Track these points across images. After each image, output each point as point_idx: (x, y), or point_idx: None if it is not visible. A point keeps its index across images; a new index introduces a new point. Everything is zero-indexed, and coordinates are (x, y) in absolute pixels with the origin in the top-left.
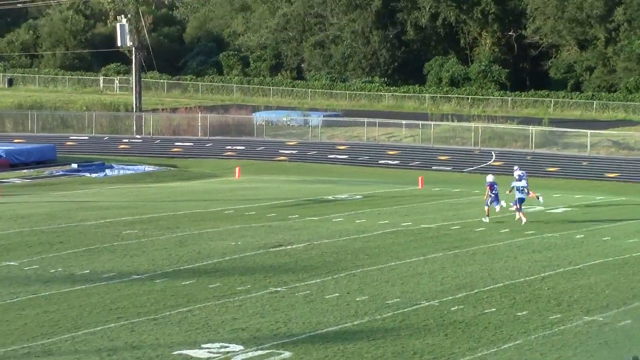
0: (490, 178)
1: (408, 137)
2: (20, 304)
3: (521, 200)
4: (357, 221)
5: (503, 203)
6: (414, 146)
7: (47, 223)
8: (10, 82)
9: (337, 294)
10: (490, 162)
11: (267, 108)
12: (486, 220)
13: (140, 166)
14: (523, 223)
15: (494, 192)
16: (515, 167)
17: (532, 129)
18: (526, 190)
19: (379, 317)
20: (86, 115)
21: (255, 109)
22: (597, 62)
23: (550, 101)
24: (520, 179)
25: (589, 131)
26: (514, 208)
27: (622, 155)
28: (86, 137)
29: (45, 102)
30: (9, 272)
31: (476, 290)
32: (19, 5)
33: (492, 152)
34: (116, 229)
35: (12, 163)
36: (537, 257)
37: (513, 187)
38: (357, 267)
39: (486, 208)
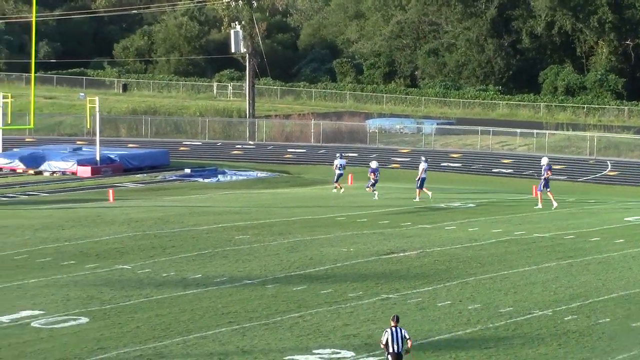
0: (373, 164)
1: (522, 146)
2: (133, 307)
3: None
4: (470, 229)
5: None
6: (528, 155)
7: (159, 227)
8: (125, 88)
9: (449, 302)
10: (605, 172)
11: (380, 115)
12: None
13: (252, 172)
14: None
15: (375, 177)
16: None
17: None
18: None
19: (491, 325)
20: (199, 121)
21: (368, 116)
22: None
23: None
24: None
25: None
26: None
27: None
28: (199, 143)
29: (159, 107)
30: (122, 275)
31: (590, 300)
32: (134, 11)
33: (608, 162)
34: (228, 234)
35: (126, 168)
36: None
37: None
38: (469, 275)
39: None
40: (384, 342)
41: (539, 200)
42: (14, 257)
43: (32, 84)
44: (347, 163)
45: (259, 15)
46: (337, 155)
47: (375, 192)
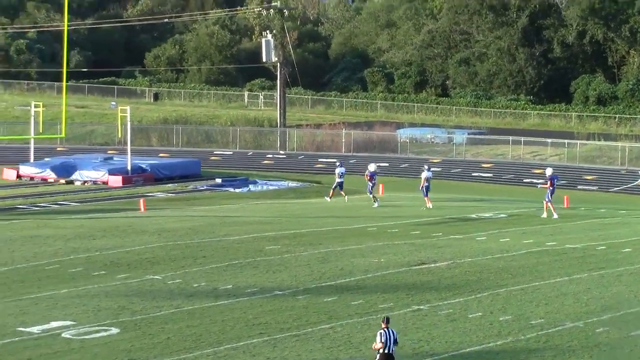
0: (372, 167)
1: (553, 156)
2: (164, 318)
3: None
4: (501, 240)
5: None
6: (559, 165)
7: (190, 237)
8: (156, 97)
9: (480, 313)
10: (638, 181)
11: (412, 125)
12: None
13: (283, 182)
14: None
15: (372, 182)
16: None
17: None
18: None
19: (522, 337)
20: (230, 131)
21: (400, 125)
22: None
23: None
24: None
25: None
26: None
27: None
28: (230, 152)
29: (190, 116)
30: (153, 285)
31: (622, 312)
32: (165, 20)
33: None
34: (259, 244)
35: (157, 177)
36: None
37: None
38: (500, 287)
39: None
40: (379, 345)
41: (545, 209)
42: (45, 267)
43: (63, 93)
44: (346, 171)
45: (290, 24)
46: (337, 163)
47: (376, 200)
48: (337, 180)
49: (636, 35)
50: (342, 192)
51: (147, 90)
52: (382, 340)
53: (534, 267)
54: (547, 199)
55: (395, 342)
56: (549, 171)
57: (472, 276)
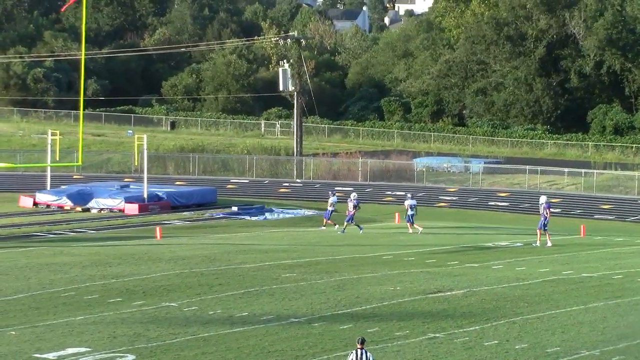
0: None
1: (570, 185)
2: (180, 345)
3: None
4: (517, 269)
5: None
6: (576, 194)
7: (206, 265)
8: (173, 125)
9: (496, 341)
10: None
11: (428, 154)
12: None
13: (299, 210)
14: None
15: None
16: None
17: None
18: None
19: None
20: (247, 159)
21: (416, 154)
22: None
23: None
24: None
25: None
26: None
27: None
28: (247, 181)
29: (207, 145)
30: (169, 312)
31: (638, 341)
32: (182, 49)
33: None
34: (275, 272)
35: (173, 205)
36: None
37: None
38: (516, 315)
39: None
40: None
41: (538, 238)
42: (61, 294)
43: (80, 121)
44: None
45: (307, 54)
46: (330, 192)
47: (345, 226)
48: (329, 209)
49: None
50: (331, 221)
51: (163, 119)
52: None
53: (550, 295)
54: (541, 227)
55: None
56: (543, 199)
57: (488, 304)
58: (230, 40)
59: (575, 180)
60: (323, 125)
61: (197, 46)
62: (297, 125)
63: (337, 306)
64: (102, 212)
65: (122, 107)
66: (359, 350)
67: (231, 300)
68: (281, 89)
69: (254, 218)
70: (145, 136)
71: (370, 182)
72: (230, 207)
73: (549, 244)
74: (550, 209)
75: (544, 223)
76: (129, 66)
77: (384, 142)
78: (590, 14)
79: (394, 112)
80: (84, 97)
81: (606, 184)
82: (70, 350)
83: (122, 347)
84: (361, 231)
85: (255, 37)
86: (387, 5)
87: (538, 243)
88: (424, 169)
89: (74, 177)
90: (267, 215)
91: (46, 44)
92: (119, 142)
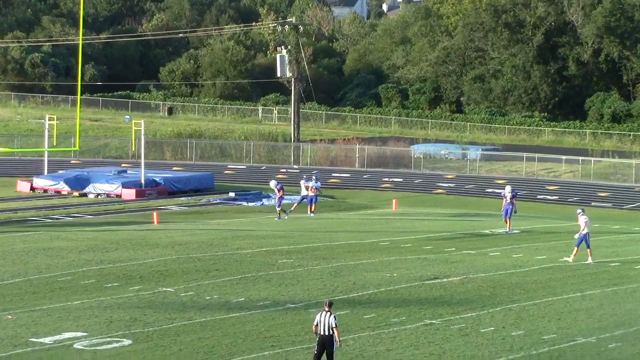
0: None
1: (567, 173)
2: (176, 330)
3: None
4: (514, 256)
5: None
6: (573, 182)
7: (203, 250)
8: (170, 111)
9: (492, 328)
10: None
11: (426, 141)
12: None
13: (297, 196)
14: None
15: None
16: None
17: None
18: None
19: (534, 352)
20: (244, 145)
21: (414, 141)
22: None
23: None
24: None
25: None
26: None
27: None
28: (244, 167)
29: (205, 131)
30: (166, 298)
31: (634, 328)
32: (180, 35)
33: None
34: (272, 257)
35: (171, 190)
36: None
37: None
38: (513, 302)
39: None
40: (314, 324)
41: (508, 227)
42: (58, 279)
43: (78, 106)
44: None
45: (305, 40)
46: (313, 177)
47: (280, 214)
48: (310, 194)
49: None
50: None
51: (161, 105)
52: (315, 323)
53: (547, 282)
54: (507, 216)
55: (330, 326)
56: (508, 188)
57: (485, 291)
58: (228, 26)
59: (572, 168)
60: (320, 112)
61: (195, 32)
62: (294, 112)
63: (334, 292)
64: (100, 197)
65: (119, 92)
66: (324, 313)
67: (228, 286)
68: (279, 75)
69: (251, 204)
70: (142, 122)
71: (368, 169)
72: (228, 193)
73: (511, 230)
74: (515, 198)
75: (510, 210)
76: (126, 52)
77: (381, 128)
78: (589, 1)
79: (392, 99)
80: (81, 82)
81: (603, 172)
82: (66, 335)
83: (119, 332)
84: (280, 218)
85: (253, 23)
86: None
87: (507, 230)
88: (422, 156)
89: (72, 162)
90: (264, 201)
91: (44, 29)
92: (117, 128)
